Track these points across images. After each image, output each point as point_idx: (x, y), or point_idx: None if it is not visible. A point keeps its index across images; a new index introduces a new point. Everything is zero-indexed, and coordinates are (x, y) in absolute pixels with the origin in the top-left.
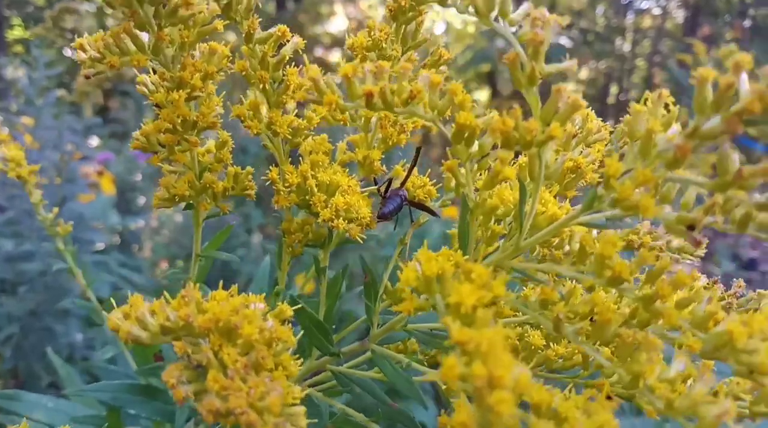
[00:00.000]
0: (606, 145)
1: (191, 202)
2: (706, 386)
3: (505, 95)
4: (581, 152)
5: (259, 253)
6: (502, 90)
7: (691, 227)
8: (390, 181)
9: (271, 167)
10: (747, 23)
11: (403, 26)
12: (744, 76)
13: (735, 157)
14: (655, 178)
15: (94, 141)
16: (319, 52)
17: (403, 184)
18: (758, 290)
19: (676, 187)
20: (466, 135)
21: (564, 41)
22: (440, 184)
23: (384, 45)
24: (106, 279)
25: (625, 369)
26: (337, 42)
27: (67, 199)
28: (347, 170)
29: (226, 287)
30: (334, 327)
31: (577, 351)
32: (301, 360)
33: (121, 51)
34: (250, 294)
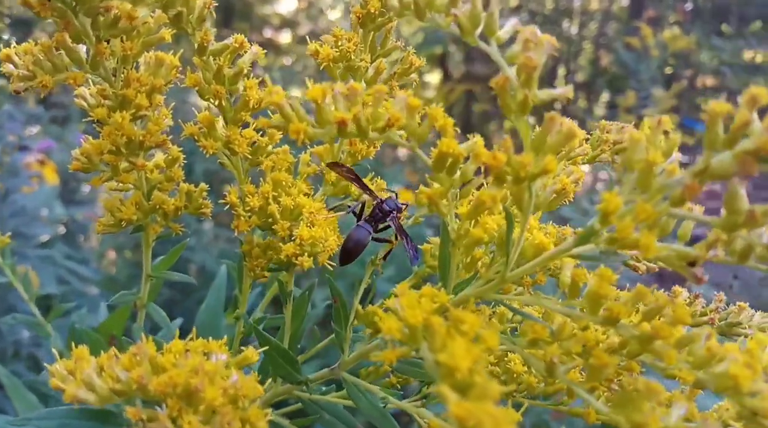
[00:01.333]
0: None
1: (140, 224)
2: None
3: (456, 78)
4: (564, 169)
5: (210, 239)
6: (453, 73)
7: (691, 263)
8: (364, 204)
9: (230, 187)
10: (689, 6)
11: (372, 33)
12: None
13: (744, 196)
14: (657, 213)
15: (35, 129)
16: (268, 33)
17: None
18: (738, 303)
19: (674, 219)
20: (448, 163)
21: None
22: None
23: (352, 57)
24: (52, 272)
25: (626, 417)
26: (287, 23)
27: (9, 192)
28: (312, 187)
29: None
30: (299, 346)
31: None
32: (268, 382)
33: (55, 67)
34: (206, 340)
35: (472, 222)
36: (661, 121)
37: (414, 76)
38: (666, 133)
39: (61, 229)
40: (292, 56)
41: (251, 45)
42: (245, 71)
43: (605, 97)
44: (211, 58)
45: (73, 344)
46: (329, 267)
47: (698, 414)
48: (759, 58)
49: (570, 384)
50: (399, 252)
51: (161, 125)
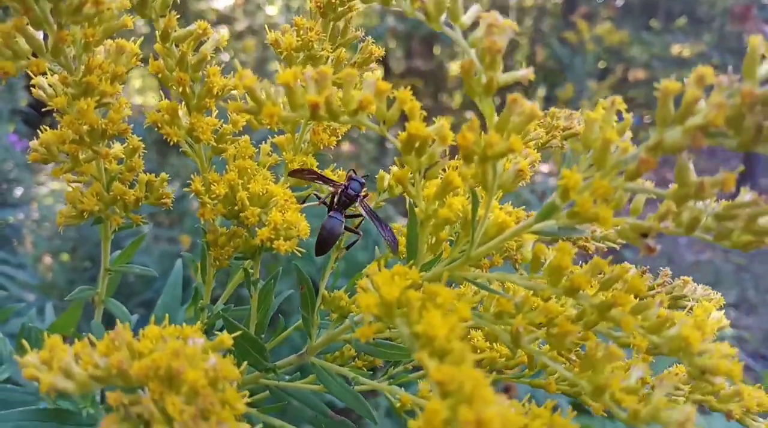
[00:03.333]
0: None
1: (100, 216)
2: (664, 391)
3: (397, 73)
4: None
5: (150, 241)
6: (395, 69)
7: (644, 234)
8: (332, 194)
9: (192, 176)
10: (619, 2)
11: (332, 23)
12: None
13: (692, 169)
14: (613, 188)
15: None
16: None
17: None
18: (682, 277)
19: (628, 193)
20: (416, 145)
21: None
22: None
23: (315, 46)
24: None
25: (588, 380)
26: (223, 18)
27: None
28: (274, 176)
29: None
30: (263, 336)
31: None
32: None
33: (15, 53)
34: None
35: (439, 202)
36: (615, 101)
37: (374, 65)
38: (619, 112)
39: None
40: (230, 52)
41: (214, 32)
42: (208, 58)
43: (542, 92)
44: (174, 45)
45: (25, 343)
46: (298, 253)
47: (651, 381)
48: (686, 52)
49: (534, 353)
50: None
51: (122, 113)
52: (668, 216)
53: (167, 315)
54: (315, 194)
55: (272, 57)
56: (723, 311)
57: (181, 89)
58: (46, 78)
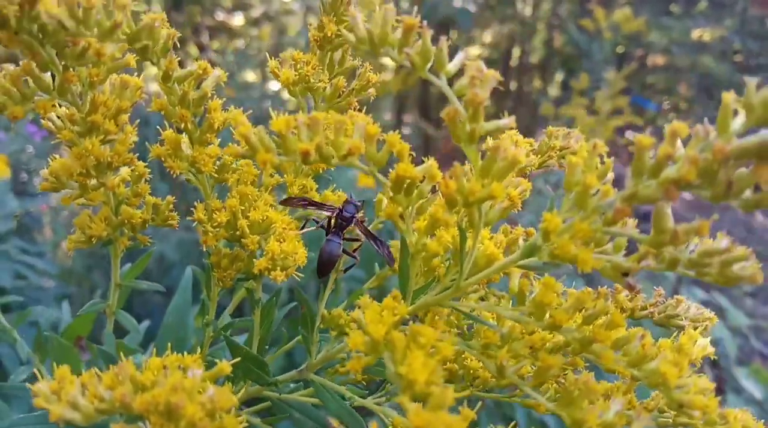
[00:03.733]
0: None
1: (109, 238)
2: (641, 425)
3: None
4: (511, 180)
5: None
6: None
7: (625, 273)
8: (329, 218)
9: (196, 203)
10: None
11: (329, 53)
12: (679, 144)
13: (670, 216)
14: (593, 231)
15: None
16: (220, 16)
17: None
18: (676, 296)
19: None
20: (405, 184)
21: (469, 6)
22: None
23: (311, 80)
24: (8, 268)
25: (568, 414)
26: (240, 5)
27: None
28: (276, 197)
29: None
30: (267, 347)
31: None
32: (240, 384)
33: (24, 96)
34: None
35: (429, 236)
36: (597, 145)
37: (372, 90)
38: (601, 156)
39: (13, 224)
40: (246, 39)
41: (214, 68)
42: (209, 94)
43: (559, 77)
44: (176, 83)
45: (42, 353)
46: (297, 278)
47: (636, 405)
48: (707, 37)
49: (518, 384)
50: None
51: (127, 144)
52: (648, 257)
53: (176, 320)
54: (313, 219)
55: (288, 44)
56: (709, 338)
57: (183, 125)
58: (54, 109)
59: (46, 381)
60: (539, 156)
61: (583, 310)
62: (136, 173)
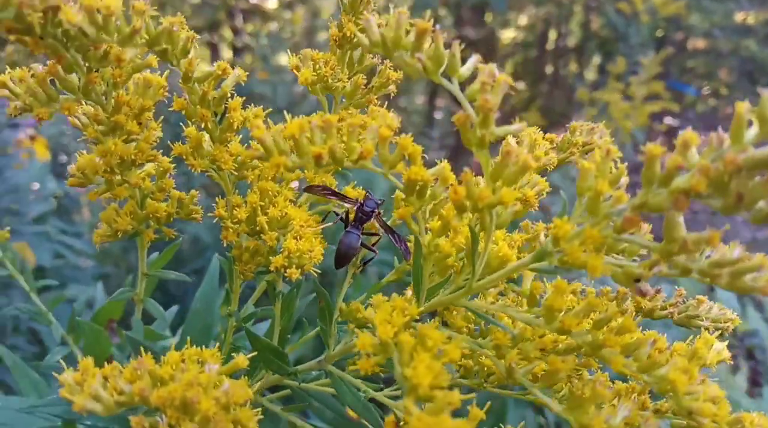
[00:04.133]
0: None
1: (135, 231)
2: None
3: (445, 42)
4: (529, 180)
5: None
6: (444, 37)
7: (637, 279)
8: (348, 211)
9: (217, 199)
10: None
11: (349, 52)
12: (693, 150)
13: (681, 224)
14: (604, 238)
15: None
16: None
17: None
18: (697, 296)
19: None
20: (417, 187)
21: None
22: None
23: (329, 80)
24: (48, 248)
25: (575, 418)
26: None
27: (1, 170)
28: (296, 192)
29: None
30: (289, 336)
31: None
32: (261, 372)
33: (49, 97)
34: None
35: (442, 236)
36: (610, 151)
37: (392, 87)
38: (615, 161)
39: (53, 204)
40: (279, 22)
41: (234, 68)
42: (228, 94)
43: (596, 61)
44: (196, 84)
45: (77, 334)
46: (314, 273)
47: (650, 406)
48: (751, 20)
49: (527, 386)
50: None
51: (151, 141)
52: (660, 263)
53: (204, 306)
54: (333, 211)
55: (321, 27)
56: (726, 342)
57: (204, 124)
58: (81, 107)
59: (71, 372)
60: (561, 152)
61: (596, 313)
62: (161, 168)
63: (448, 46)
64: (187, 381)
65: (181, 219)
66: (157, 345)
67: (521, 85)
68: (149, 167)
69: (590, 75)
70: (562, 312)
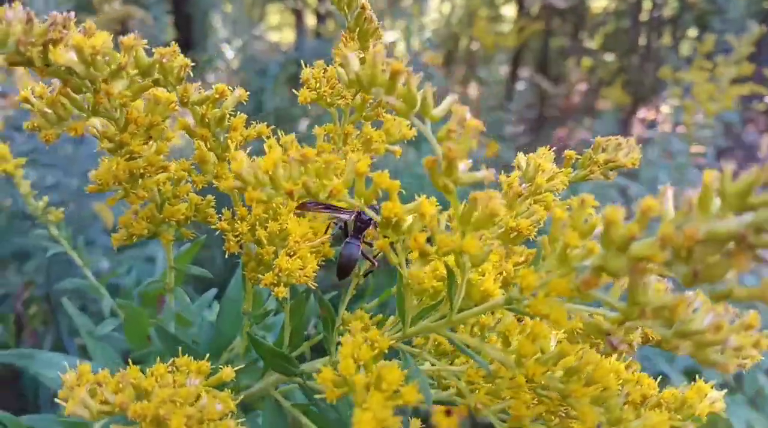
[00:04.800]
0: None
1: (155, 231)
2: None
3: (533, 13)
4: (529, 207)
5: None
6: (530, 6)
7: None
8: (346, 222)
9: (223, 210)
10: None
11: None
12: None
13: (645, 286)
14: (570, 290)
15: None
16: None
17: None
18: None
19: None
20: (393, 222)
21: None
22: None
23: (328, 99)
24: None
25: None
26: None
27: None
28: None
29: None
30: (304, 334)
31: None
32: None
33: (59, 117)
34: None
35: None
36: (585, 200)
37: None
38: (590, 209)
39: None
40: None
41: (233, 90)
42: (227, 115)
43: (693, 32)
44: (195, 106)
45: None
46: (312, 286)
47: None
48: None
49: (495, 424)
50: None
51: (163, 151)
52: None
53: (230, 307)
54: (332, 222)
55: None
56: (724, 392)
57: (205, 144)
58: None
59: (72, 373)
60: (582, 169)
61: (571, 359)
62: (175, 177)
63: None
64: (162, 397)
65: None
66: (188, 333)
67: (610, 57)
68: (172, 168)
69: (685, 49)
70: (532, 357)
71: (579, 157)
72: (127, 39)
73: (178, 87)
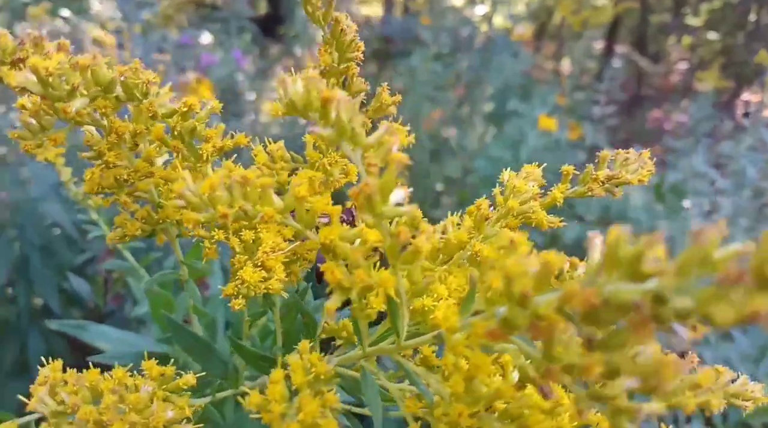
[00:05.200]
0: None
1: (150, 231)
2: None
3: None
4: (495, 232)
5: None
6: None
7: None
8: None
9: None
10: None
11: (335, 80)
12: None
13: (556, 341)
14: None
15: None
16: None
17: None
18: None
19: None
20: (331, 248)
21: None
22: None
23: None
24: None
25: None
26: None
27: None
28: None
29: None
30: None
31: None
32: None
33: (42, 127)
34: None
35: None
36: (514, 241)
37: (392, 109)
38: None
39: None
40: None
41: (207, 103)
42: (198, 128)
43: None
44: (166, 119)
45: None
46: (284, 296)
47: None
48: None
49: None
50: None
51: (151, 157)
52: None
53: None
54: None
55: None
56: None
57: (178, 155)
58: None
59: (48, 368)
60: (581, 185)
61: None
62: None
63: None
64: (107, 403)
65: None
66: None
67: (713, 36)
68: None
69: None
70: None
71: (577, 173)
72: (83, 59)
73: (144, 102)
